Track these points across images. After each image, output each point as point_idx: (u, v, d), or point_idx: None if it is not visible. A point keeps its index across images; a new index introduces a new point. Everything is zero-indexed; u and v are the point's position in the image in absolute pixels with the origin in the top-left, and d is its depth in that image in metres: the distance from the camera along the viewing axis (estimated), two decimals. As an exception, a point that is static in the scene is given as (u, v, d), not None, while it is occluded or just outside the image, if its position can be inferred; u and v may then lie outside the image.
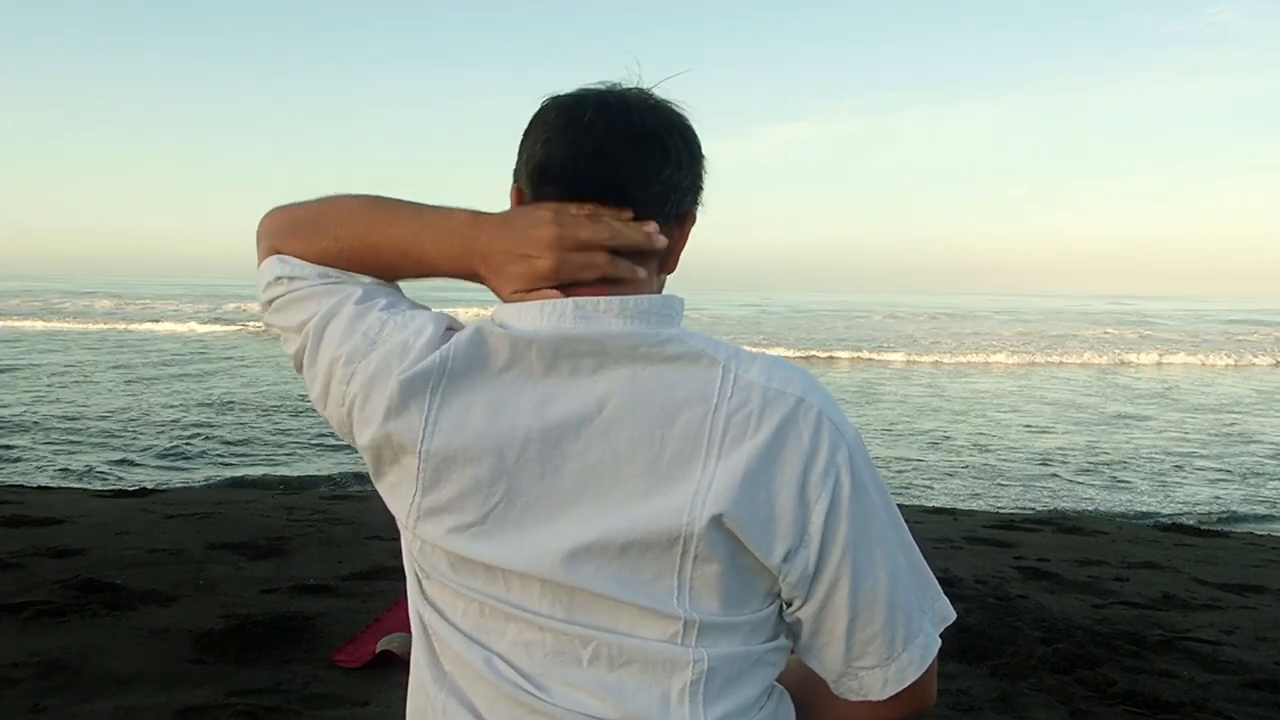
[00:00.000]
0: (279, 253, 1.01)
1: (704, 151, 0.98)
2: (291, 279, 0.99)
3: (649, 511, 0.84)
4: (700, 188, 0.99)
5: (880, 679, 0.91)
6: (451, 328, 0.92)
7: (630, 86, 0.95)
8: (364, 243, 0.98)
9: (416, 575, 0.95)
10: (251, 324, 26.59)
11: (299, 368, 0.99)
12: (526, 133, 0.96)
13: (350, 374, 0.92)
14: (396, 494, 0.92)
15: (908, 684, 0.91)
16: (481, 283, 0.95)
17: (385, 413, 0.89)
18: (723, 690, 0.87)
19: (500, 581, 0.88)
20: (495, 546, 0.87)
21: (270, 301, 1.00)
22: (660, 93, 0.96)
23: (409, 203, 0.99)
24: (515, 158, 0.97)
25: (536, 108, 0.96)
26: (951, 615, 0.94)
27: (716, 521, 0.83)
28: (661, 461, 0.84)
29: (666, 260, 0.98)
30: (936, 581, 0.94)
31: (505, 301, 0.93)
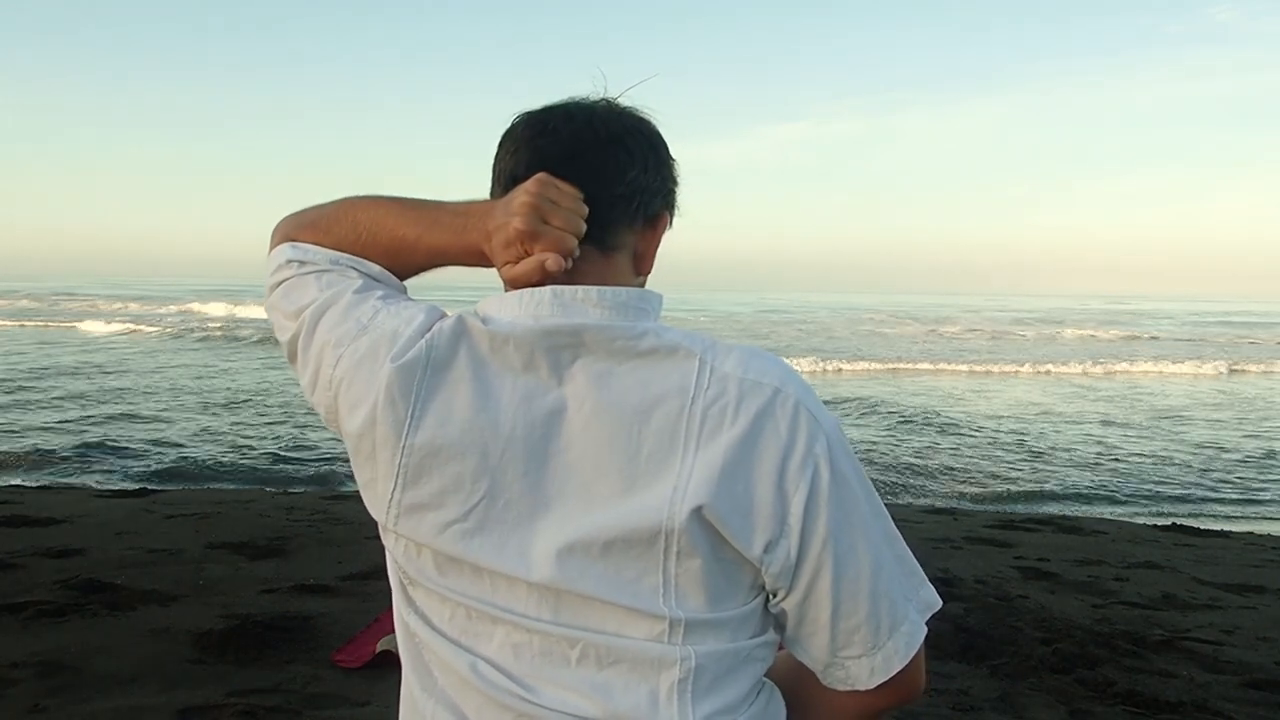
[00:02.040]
0: (293, 241, 1.03)
1: (673, 155, 1.00)
2: (303, 262, 1.01)
3: (630, 508, 0.84)
4: (671, 190, 1.00)
5: (866, 668, 0.90)
6: (444, 318, 0.93)
7: (597, 99, 0.98)
8: (380, 230, 1.00)
9: (401, 582, 0.95)
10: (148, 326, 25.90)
11: (291, 357, 0.99)
12: (498, 149, 0.99)
13: (338, 357, 0.93)
14: (373, 492, 0.92)
15: (894, 672, 0.90)
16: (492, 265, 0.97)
17: (371, 401, 0.89)
18: (711, 688, 0.87)
19: (486, 583, 0.88)
20: (478, 545, 0.87)
21: (278, 285, 1.01)
22: (626, 101, 0.99)
23: (421, 199, 1.01)
24: (489, 176, 1.00)
25: (507, 125, 0.99)
26: (937, 602, 0.94)
27: (697, 515, 0.83)
28: (640, 457, 0.84)
29: (641, 263, 0.99)
30: (920, 569, 0.94)
31: (502, 280, 0.94)
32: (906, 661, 0.90)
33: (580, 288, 0.89)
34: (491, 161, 1.00)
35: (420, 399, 0.88)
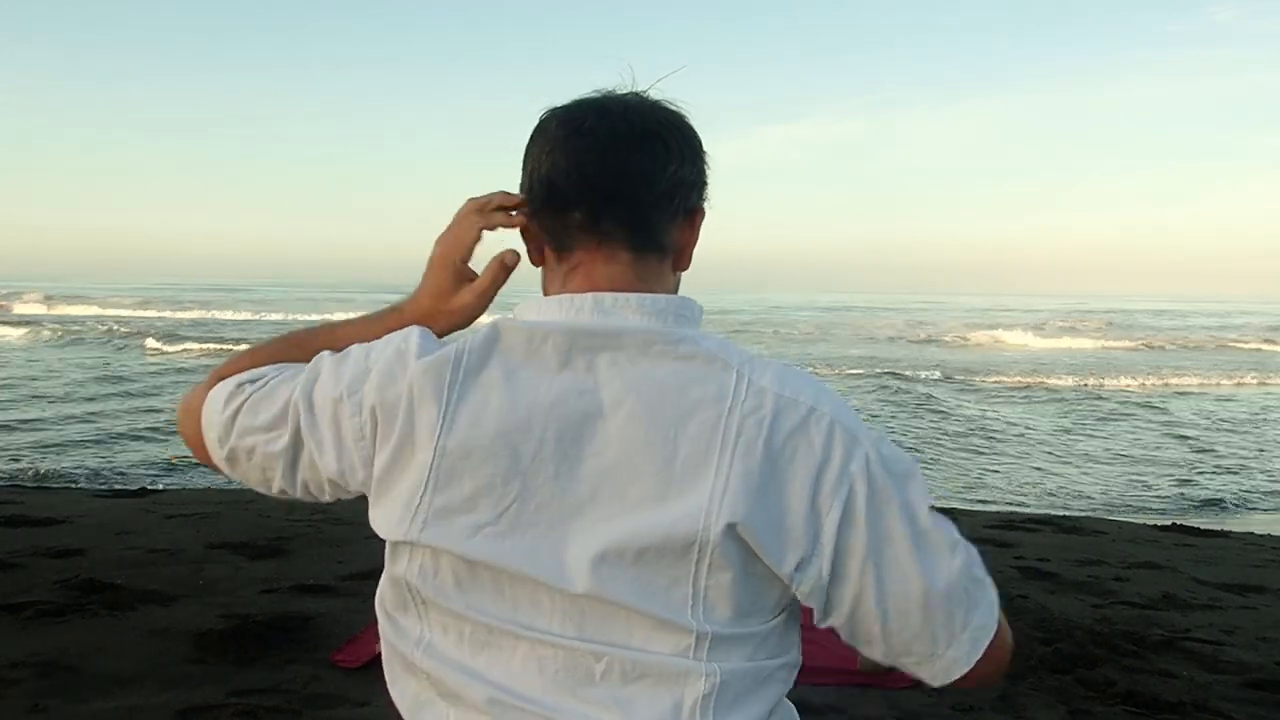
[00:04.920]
0: (224, 378, 0.98)
1: (705, 147, 0.98)
2: (253, 380, 0.96)
3: (665, 516, 0.83)
4: (705, 183, 0.98)
5: (929, 673, 0.89)
6: (431, 335, 0.94)
7: (626, 92, 0.96)
8: (314, 337, 1.03)
9: (409, 604, 0.91)
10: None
11: (293, 461, 0.93)
12: (529, 147, 0.96)
13: (358, 404, 0.89)
14: (393, 503, 0.88)
15: (958, 676, 0.88)
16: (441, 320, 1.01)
17: (405, 407, 0.87)
18: (733, 706, 0.86)
19: (508, 599, 0.86)
20: (510, 549, 0.85)
21: (236, 412, 0.94)
22: (655, 94, 0.96)
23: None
24: (520, 172, 0.98)
25: (536, 121, 0.97)
26: (997, 600, 0.90)
27: (731, 529, 0.82)
28: (675, 463, 0.83)
29: (679, 258, 0.97)
30: (986, 576, 0.90)
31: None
32: (970, 666, 0.87)
33: (621, 295, 0.89)
34: (522, 157, 0.97)
35: (452, 401, 0.86)
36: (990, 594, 0.90)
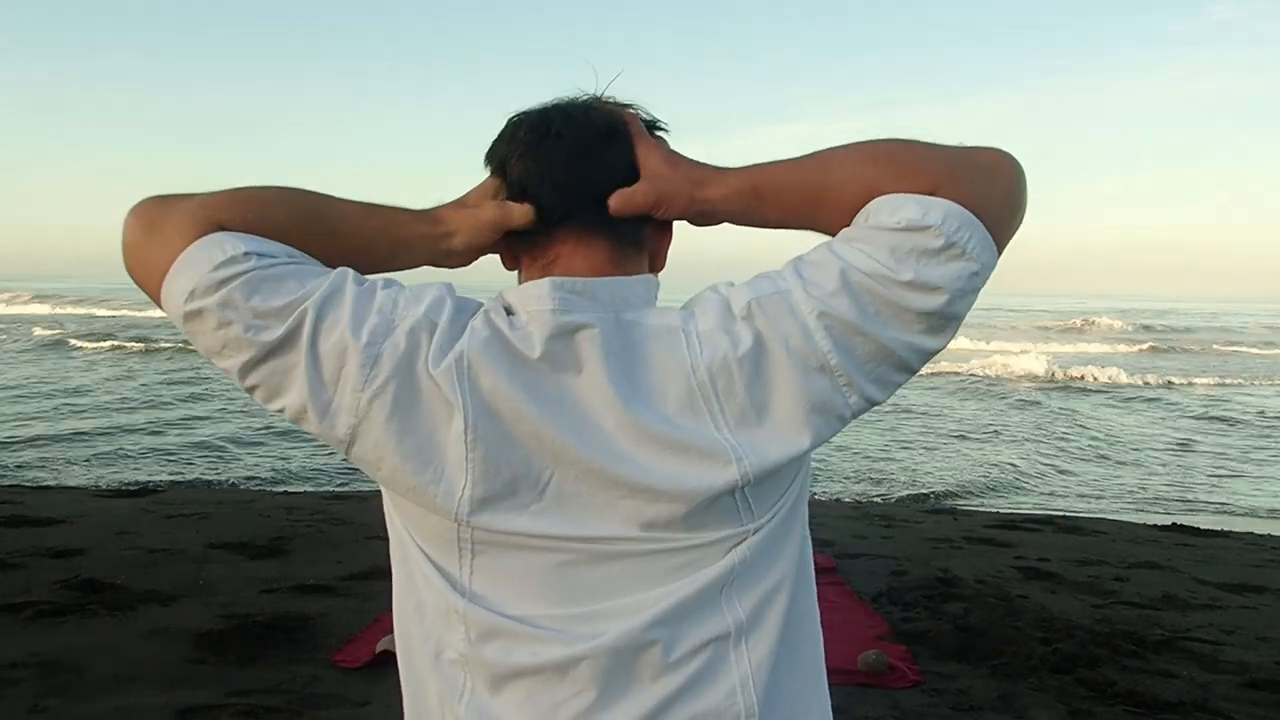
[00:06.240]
0: (223, 228, 0.88)
1: (668, 134, 1.00)
2: (262, 254, 0.87)
3: (693, 481, 0.85)
4: None
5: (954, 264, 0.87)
6: (474, 312, 0.91)
7: (585, 98, 0.97)
8: (321, 214, 0.94)
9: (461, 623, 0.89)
10: None
11: (262, 359, 0.86)
12: (494, 152, 0.98)
13: (374, 356, 0.85)
14: (434, 491, 0.87)
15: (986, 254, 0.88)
16: (447, 255, 0.97)
17: (431, 398, 0.86)
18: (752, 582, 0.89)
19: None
20: (560, 520, 0.87)
21: (234, 278, 0.84)
22: (620, 94, 0.98)
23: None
24: (486, 172, 0.99)
25: (503, 127, 0.98)
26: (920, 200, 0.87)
27: (769, 468, 0.86)
28: (677, 434, 0.85)
29: (655, 259, 0.99)
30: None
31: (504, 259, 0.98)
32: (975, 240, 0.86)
33: (579, 280, 0.89)
34: (485, 157, 0.99)
35: (467, 394, 0.86)
36: (905, 207, 0.88)
